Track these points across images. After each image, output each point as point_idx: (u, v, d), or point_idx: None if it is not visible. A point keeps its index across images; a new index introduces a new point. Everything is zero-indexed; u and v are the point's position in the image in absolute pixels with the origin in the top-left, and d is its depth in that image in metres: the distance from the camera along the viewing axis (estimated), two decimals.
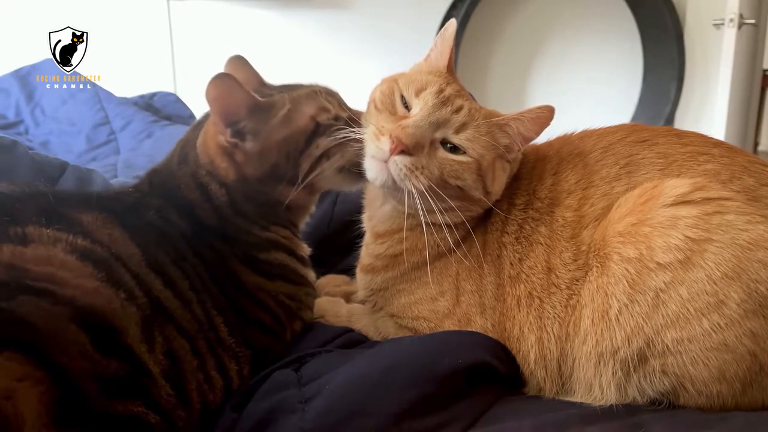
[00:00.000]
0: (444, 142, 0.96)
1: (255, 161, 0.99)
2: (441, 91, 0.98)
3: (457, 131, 0.96)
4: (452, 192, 0.95)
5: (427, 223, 0.96)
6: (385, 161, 0.93)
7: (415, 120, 0.94)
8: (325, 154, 1.01)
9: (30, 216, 0.74)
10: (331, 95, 1.07)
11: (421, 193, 0.92)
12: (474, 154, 0.96)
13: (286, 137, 0.99)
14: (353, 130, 0.99)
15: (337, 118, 1.03)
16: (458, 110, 0.97)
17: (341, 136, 1.00)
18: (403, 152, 0.92)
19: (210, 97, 0.94)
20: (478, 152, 0.96)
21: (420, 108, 0.97)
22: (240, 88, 0.95)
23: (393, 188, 0.95)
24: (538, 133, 0.99)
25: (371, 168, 0.96)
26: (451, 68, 1.06)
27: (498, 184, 1.00)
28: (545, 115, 0.97)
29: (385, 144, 0.93)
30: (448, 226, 0.97)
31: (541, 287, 0.94)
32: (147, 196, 0.98)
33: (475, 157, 0.96)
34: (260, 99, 0.98)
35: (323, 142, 1.01)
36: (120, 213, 0.87)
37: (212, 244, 0.96)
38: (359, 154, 1.00)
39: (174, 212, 0.95)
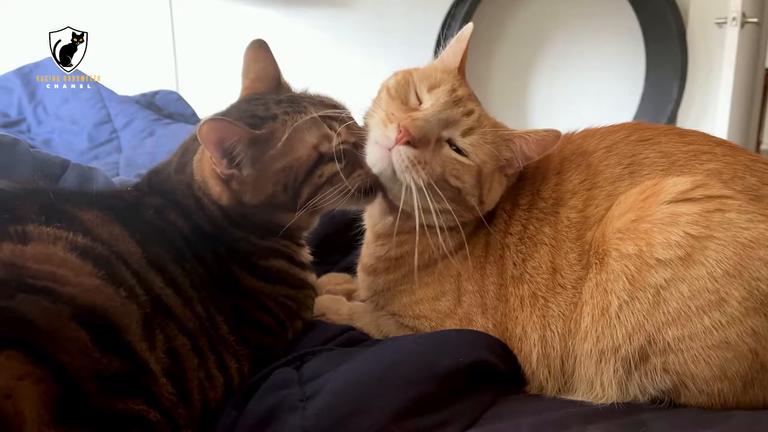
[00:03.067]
0: (450, 143, 0.95)
1: (250, 190, 0.95)
2: (454, 90, 0.98)
3: (464, 134, 0.95)
4: (449, 194, 0.94)
5: (420, 225, 0.95)
6: (389, 149, 0.92)
7: (425, 114, 0.94)
8: (329, 181, 0.95)
9: (30, 214, 0.74)
10: (341, 119, 0.99)
11: (419, 189, 0.91)
12: (477, 159, 0.95)
13: (284, 167, 0.94)
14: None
15: (343, 142, 0.97)
16: (469, 114, 0.97)
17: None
18: (408, 143, 0.91)
19: (203, 137, 0.88)
20: (481, 159, 0.95)
21: (431, 104, 0.97)
22: (234, 127, 0.89)
23: (390, 179, 0.94)
24: (539, 155, 0.98)
25: (372, 153, 0.95)
26: (463, 71, 1.06)
27: (493, 196, 0.99)
28: (550, 138, 0.96)
29: (392, 132, 0.92)
30: (442, 229, 0.96)
31: (545, 287, 0.94)
32: (146, 195, 0.97)
33: (477, 163, 0.95)
34: (257, 132, 0.92)
35: (327, 170, 0.95)
36: (120, 211, 0.87)
37: (210, 247, 0.95)
38: (365, 180, 0.97)
39: (172, 213, 0.95)
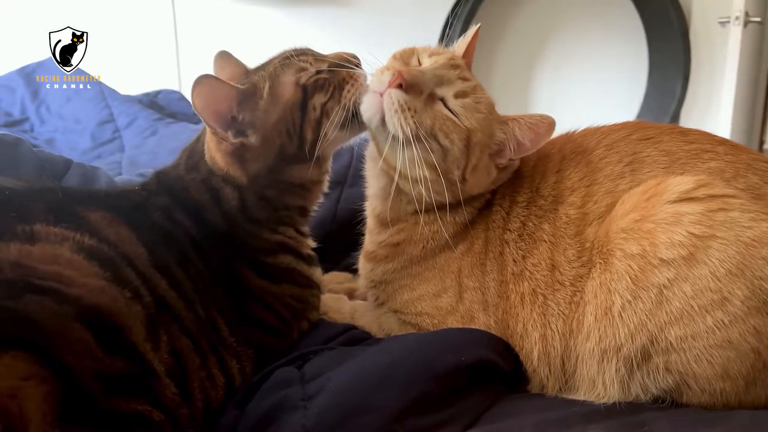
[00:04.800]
0: (443, 102, 0.96)
1: (262, 153, 0.97)
2: (453, 58, 1.01)
3: (457, 96, 0.96)
4: (437, 156, 0.94)
5: (409, 196, 0.97)
6: (381, 94, 0.93)
7: (421, 67, 0.97)
8: (324, 113, 0.99)
9: (38, 213, 0.74)
10: (303, 54, 1.03)
11: (406, 140, 0.92)
12: (467, 123, 0.95)
13: (281, 115, 0.97)
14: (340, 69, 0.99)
15: (318, 72, 1.00)
16: (465, 79, 0.98)
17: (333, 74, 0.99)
18: (400, 87, 0.92)
19: (199, 108, 0.92)
20: (472, 124, 0.96)
21: (430, 63, 1.00)
22: (222, 84, 0.94)
23: (379, 128, 0.95)
24: (533, 144, 0.98)
25: (366, 100, 0.97)
26: (469, 64, 1.07)
27: (477, 178, 0.99)
28: (544, 125, 0.96)
29: (387, 77, 0.93)
30: (428, 212, 0.97)
31: (545, 284, 0.94)
32: (154, 195, 0.98)
33: (468, 127, 0.95)
34: (241, 87, 0.97)
35: (318, 101, 0.98)
36: (127, 212, 0.87)
37: (218, 246, 0.96)
38: (357, 98, 0.99)
39: (180, 213, 0.95)
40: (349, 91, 0.99)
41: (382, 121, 0.93)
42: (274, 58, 1.04)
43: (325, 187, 1.12)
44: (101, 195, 0.95)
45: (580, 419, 0.81)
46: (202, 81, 0.91)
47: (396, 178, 0.97)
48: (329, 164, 1.10)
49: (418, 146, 0.92)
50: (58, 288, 0.66)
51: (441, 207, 0.97)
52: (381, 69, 0.98)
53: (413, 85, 0.92)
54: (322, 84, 0.99)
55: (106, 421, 0.64)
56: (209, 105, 0.92)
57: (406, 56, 1.03)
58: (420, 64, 1.02)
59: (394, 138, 0.92)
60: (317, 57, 1.03)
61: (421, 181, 0.94)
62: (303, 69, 0.99)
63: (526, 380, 0.96)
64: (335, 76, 1.00)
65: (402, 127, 0.91)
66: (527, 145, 0.98)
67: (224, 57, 1.11)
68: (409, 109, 0.92)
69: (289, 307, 1.02)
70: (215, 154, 0.99)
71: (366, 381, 0.81)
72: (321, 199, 1.13)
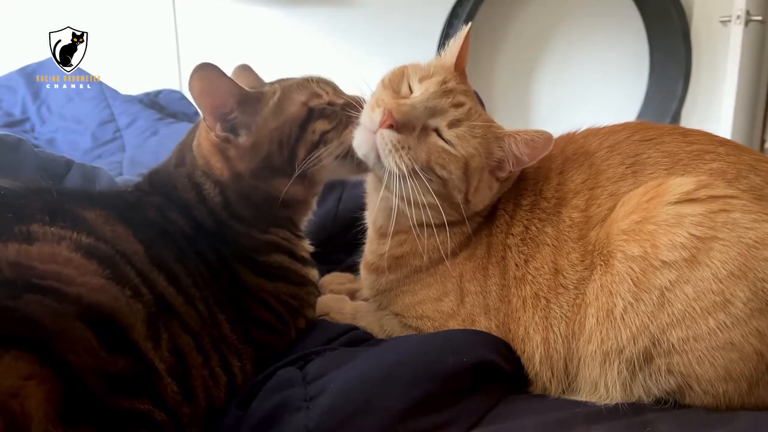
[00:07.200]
0: (437, 132, 0.95)
1: (247, 155, 0.98)
2: (445, 82, 0.99)
3: (450, 126, 0.95)
4: (435, 186, 0.94)
5: (408, 217, 0.96)
6: (374, 132, 0.93)
7: (412, 101, 0.95)
8: (322, 140, 0.99)
9: (34, 213, 0.74)
10: (325, 83, 1.05)
11: (402, 176, 0.92)
12: (462, 151, 0.95)
13: (278, 126, 0.98)
14: (351, 113, 0.99)
15: (331, 104, 1.01)
16: (458, 105, 0.97)
17: (340, 118, 0.99)
18: (391, 127, 0.91)
19: (195, 93, 0.93)
20: (468, 151, 0.95)
21: (421, 93, 0.98)
22: (225, 78, 0.94)
23: (376, 164, 0.95)
24: (531, 158, 0.97)
25: (359, 136, 0.96)
26: (461, 68, 1.05)
27: (480, 196, 0.99)
28: (541, 140, 0.95)
29: (378, 115, 0.93)
30: (430, 226, 0.96)
31: (548, 288, 0.93)
32: (147, 195, 0.98)
33: (464, 155, 0.95)
34: (248, 90, 0.97)
35: (319, 127, 0.99)
36: (122, 210, 0.87)
37: (211, 244, 0.96)
38: None
39: (174, 211, 0.96)
40: (351, 132, 0.99)
41: (378, 157, 0.93)
42: (295, 77, 1.05)
43: (313, 207, 1.12)
44: (96, 194, 0.95)
45: (583, 420, 0.81)
46: (204, 67, 0.92)
47: (398, 203, 0.96)
48: (319, 188, 1.10)
49: (416, 179, 0.92)
50: (58, 287, 0.66)
51: (444, 225, 0.97)
52: (371, 104, 0.97)
53: (405, 123, 0.92)
54: (329, 114, 1.00)
55: (107, 420, 0.63)
56: (205, 93, 0.94)
57: (395, 82, 1.02)
58: (410, 90, 1.00)
59: (392, 173, 0.92)
60: (337, 91, 1.05)
61: (423, 207, 0.94)
62: (317, 95, 1.01)
63: (528, 381, 0.95)
64: (345, 114, 1.01)
65: (398, 164, 0.91)
66: (525, 160, 0.97)
67: (244, 69, 1.13)
68: (403, 147, 0.91)
69: (286, 304, 1.02)
70: (203, 141, 1.01)
71: (368, 382, 0.81)
72: (309, 217, 1.13)
